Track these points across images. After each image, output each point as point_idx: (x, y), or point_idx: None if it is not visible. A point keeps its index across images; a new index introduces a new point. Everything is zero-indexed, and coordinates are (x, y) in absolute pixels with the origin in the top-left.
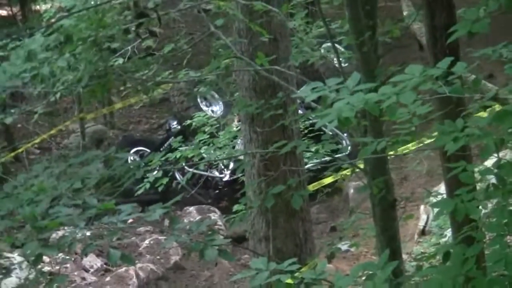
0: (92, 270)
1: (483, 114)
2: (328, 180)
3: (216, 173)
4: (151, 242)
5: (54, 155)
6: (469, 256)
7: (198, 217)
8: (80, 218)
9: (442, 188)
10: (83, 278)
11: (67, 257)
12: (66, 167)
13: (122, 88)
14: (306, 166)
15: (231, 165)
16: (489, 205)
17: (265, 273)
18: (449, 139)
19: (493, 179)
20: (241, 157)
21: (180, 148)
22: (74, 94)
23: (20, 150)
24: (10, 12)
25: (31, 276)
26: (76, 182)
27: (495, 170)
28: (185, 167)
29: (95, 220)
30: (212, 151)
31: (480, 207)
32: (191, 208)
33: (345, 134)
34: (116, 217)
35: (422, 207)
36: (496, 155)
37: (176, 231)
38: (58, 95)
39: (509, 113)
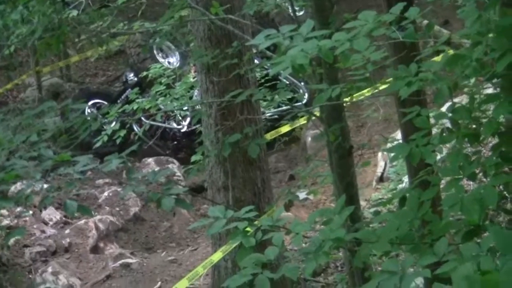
0: (51, 223)
1: (437, 59)
2: (285, 129)
3: (174, 125)
4: (110, 194)
5: (10, 108)
6: (425, 200)
7: (156, 168)
8: (37, 170)
9: (399, 134)
10: (43, 231)
11: (25, 210)
12: (22, 119)
13: (77, 40)
14: (264, 115)
15: (189, 117)
16: (444, 150)
17: (223, 220)
18: (403, 84)
19: (447, 124)
20: (198, 107)
21: (137, 100)
22: (29, 47)
23: None
24: None
25: None
26: (33, 135)
27: (449, 114)
28: (143, 118)
29: (52, 172)
30: (169, 102)
31: (436, 151)
32: (150, 160)
33: (302, 83)
34: (73, 168)
35: (379, 154)
36: (450, 99)
37: (134, 181)
38: (12, 48)
39: (462, 57)
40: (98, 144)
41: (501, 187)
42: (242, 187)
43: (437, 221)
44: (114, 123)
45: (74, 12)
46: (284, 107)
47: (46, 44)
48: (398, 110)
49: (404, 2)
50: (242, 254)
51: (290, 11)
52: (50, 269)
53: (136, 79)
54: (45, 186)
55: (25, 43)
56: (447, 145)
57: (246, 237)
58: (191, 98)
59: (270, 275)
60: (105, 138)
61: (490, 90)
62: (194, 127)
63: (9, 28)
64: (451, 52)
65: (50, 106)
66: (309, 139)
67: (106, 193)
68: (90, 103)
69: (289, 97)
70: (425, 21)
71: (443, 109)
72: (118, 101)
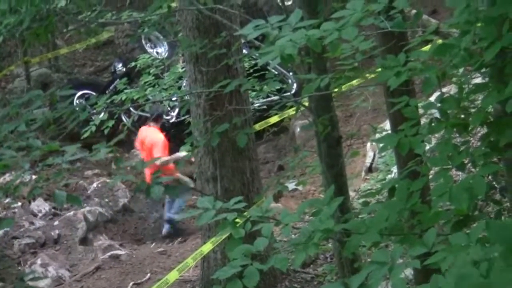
0: (40, 214)
1: (426, 48)
2: (274, 119)
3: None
4: (99, 185)
5: None
6: (414, 190)
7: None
8: (25, 160)
9: (388, 124)
10: (32, 223)
11: (13, 200)
12: (9, 109)
13: (65, 30)
14: (253, 106)
15: (177, 107)
16: (433, 140)
17: (212, 211)
18: (392, 73)
19: (436, 114)
20: (187, 97)
21: (126, 90)
22: (17, 38)
23: None
24: None
25: None
26: (21, 125)
27: (438, 104)
28: (131, 109)
29: (40, 163)
30: (157, 93)
31: (424, 141)
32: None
33: (291, 73)
34: (61, 158)
35: (368, 144)
36: (439, 89)
37: (122, 170)
38: (0, 39)
39: (450, 46)
40: (86, 135)
41: (489, 177)
42: (231, 177)
43: (426, 212)
44: (102, 113)
45: (62, 2)
46: (273, 97)
47: (34, 34)
48: (387, 100)
49: None
50: (231, 245)
51: (279, 1)
52: (39, 261)
53: (124, 69)
54: (34, 177)
55: (13, 34)
56: (436, 135)
57: (236, 228)
58: (179, 88)
59: (260, 266)
60: (93, 128)
61: (478, 80)
62: (183, 118)
63: None
64: (439, 41)
65: (38, 95)
66: (298, 129)
67: (95, 184)
68: (78, 93)
69: (278, 87)
70: (414, 11)
71: (432, 99)
72: (107, 91)
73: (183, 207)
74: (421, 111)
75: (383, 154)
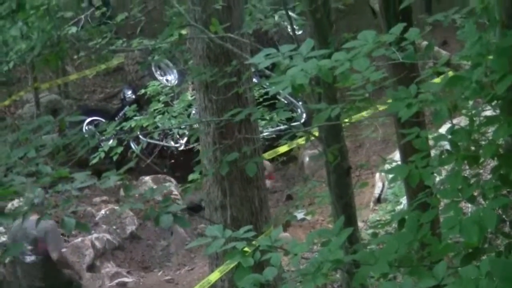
0: None
1: (437, 80)
2: (283, 149)
3: (172, 143)
4: (107, 212)
5: (8, 124)
6: (424, 222)
7: (154, 187)
8: (34, 186)
9: (397, 155)
10: None
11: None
12: (19, 134)
13: (75, 57)
14: (262, 135)
15: (186, 135)
16: (443, 172)
17: (221, 240)
18: (403, 105)
19: (447, 145)
20: (196, 126)
21: (135, 117)
22: (27, 64)
23: None
24: None
25: None
26: (30, 151)
27: (449, 136)
28: (140, 136)
29: (49, 189)
30: (167, 120)
31: (434, 173)
32: (147, 178)
33: (300, 103)
34: (70, 184)
35: (377, 174)
36: (449, 121)
37: (131, 198)
38: (11, 64)
39: (461, 79)
40: (94, 161)
41: (500, 210)
42: (239, 206)
43: (436, 244)
44: (111, 140)
45: (73, 29)
46: (282, 127)
47: (45, 60)
48: (397, 131)
49: (403, 22)
50: (240, 274)
51: (289, 30)
52: None
53: (134, 96)
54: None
55: (24, 59)
56: (446, 167)
57: (245, 257)
58: (189, 116)
59: None
60: (102, 155)
61: (489, 112)
62: (191, 146)
63: (8, 44)
64: (450, 73)
65: (47, 121)
66: (307, 158)
67: (103, 211)
68: (88, 120)
69: (288, 116)
70: (424, 42)
71: (442, 130)
72: (116, 118)
73: None
74: (431, 142)
75: (392, 185)
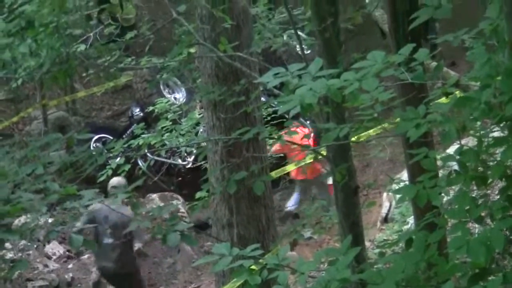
0: (54, 257)
1: (445, 100)
2: (291, 167)
3: (179, 160)
4: None
5: (16, 141)
6: (431, 242)
7: (161, 204)
8: (42, 203)
9: (404, 175)
10: (46, 265)
11: (29, 243)
12: (27, 151)
13: (84, 74)
14: (269, 153)
15: (194, 153)
16: (451, 192)
17: (228, 258)
18: (411, 125)
19: (455, 166)
20: (204, 144)
21: (143, 135)
22: (36, 81)
23: None
24: None
25: None
26: (38, 168)
27: (457, 157)
28: (148, 154)
29: (57, 206)
30: (174, 138)
31: (442, 193)
32: (154, 195)
33: (308, 122)
34: (78, 202)
35: (384, 194)
36: (458, 141)
37: (138, 215)
38: (20, 81)
39: (470, 99)
40: (102, 178)
41: (507, 231)
42: (246, 224)
43: (443, 264)
44: (119, 158)
45: (82, 46)
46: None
47: (54, 78)
48: (405, 151)
49: (412, 43)
50: None
51: (298, 49)
52: None
53: (142, 114)
54: (50, 220)
55: (33, 77)
56: (454, 187)
57: (252, 275)
58: (196, 134)
59: None
60: (110, 172)
61: (497, 133)
62: (199, 164)
63: (17, 60)
64: (459, 94)
65: (56, 138)
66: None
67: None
68: (95, 137)
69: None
70: (433, 63)
71: (450, 150)
72: (124, 135)
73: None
74: (439, 162)
75: (399, 204)
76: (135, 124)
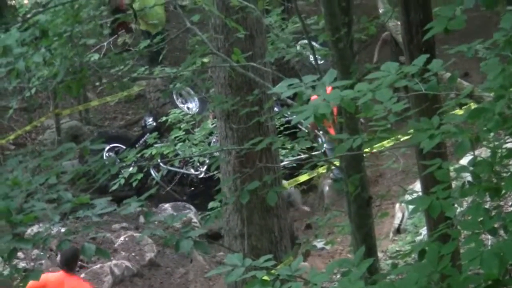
0: None
1: (459, 111)
2: (304, 178)
3: (192, 170)
4: (126, 239)
5: (29, 150)
6: (445, 253)
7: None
8: (55, 212)
9: (417, 186)
10: None
11: (42, 253)
12: (40, 161)
13: (97, 83)
14: (282, 163)
15: (207, 163)
16: (465, 203)
17: (241, 269)
18: (425, 136)
19: (468, 177)
20: (217, 154)
21: (156, 145)
22: (49, 90)
23: None
24: None
25: (5, 272)
26: (51, 177)
27: (471, 168)
28: (161, 163)
29: (70, 215)
30: (187, 148)
31: (456, 205)
32: (167, 205)
33: (321, 132)
34: (91, 211)
35: (397, 205)
36: (471, 152)
37: (151, 225)
38: (33, 91)
39: (484, 111)
40: (114, 188)
41: None
42: (259, 235)
43: (457, 275)
44: (131, 167)
45: (96, 56)
46: (303, 156)
47: (67, 87)
48: (418, 162)
49: (426, 54)
50: None
51: (312, 60)
52: None
53: (155, 123)
54: (62, 229)
55: (46, 86)
56: (467, 198)
57: (265, 286)
58: (209, 144)
59: None
60: (122, 181)
61: (511, 144)
62: (211, 174)
63: (30, 70)
64: (473, 105)
65: (69, 148)
66: (327, 188)
67: (122, 238)
68: (108, 147)
69: (308, 146)
70: (447, 74)
71: (463, 161)
72: (137, 145)
73: None
74: (452, 174)
75: (412, 215)
76: (148, 134)
